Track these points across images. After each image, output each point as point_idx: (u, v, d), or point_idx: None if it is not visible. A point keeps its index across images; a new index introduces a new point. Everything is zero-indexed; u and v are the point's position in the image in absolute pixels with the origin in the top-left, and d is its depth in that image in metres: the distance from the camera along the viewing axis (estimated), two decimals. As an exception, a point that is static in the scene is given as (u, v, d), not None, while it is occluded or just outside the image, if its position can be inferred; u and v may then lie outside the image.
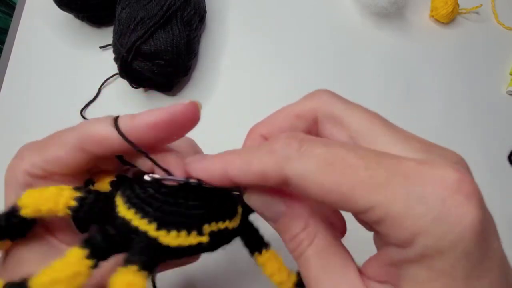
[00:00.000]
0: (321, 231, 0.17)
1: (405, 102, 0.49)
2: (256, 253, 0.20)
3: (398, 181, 0.13)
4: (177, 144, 0.20)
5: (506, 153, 0.48)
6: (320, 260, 0.16)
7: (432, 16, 0.55)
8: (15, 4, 0.51)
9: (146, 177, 0.18)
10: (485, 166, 0.47)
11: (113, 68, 0.43)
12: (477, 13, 0.56)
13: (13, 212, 0.17)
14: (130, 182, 0.19)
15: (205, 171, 0.17)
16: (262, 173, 0.15)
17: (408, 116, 0.48)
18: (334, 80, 0.50)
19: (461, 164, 0.15)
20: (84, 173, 0.20)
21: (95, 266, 0.15)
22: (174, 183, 0.18)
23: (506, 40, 0.55)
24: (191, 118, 0.18)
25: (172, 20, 0.42)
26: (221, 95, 0.47)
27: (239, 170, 0.16)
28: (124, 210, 0.17)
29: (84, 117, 0.45)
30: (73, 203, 0.17)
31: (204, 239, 0.17)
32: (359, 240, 0.20)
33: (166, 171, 0.18)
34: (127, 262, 0.15)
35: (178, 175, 0.18)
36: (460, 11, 0.54)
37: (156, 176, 0.18)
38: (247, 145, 0.20)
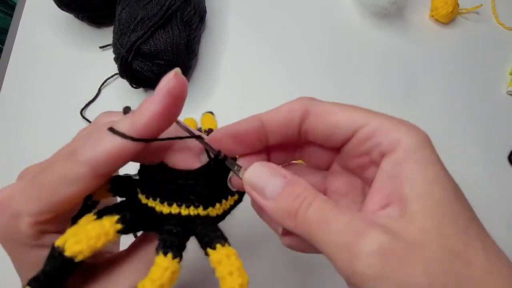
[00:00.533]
0: (320, 194, 0.18)
1: (405, 102, 0.49)
2: (209, 249, 0.18)
3: (385, 115, 0.20)
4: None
5: (506, 153, 0.48)
6: (328, 204, 0.17)
7: (432, 16, 0.55)
8: (15, 4, 0.51)
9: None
10: (485, 166, 0.47)
11: (113, 68, 0.43)
12: (477, 13, 0.56)
13: (62, 260, 0.16)
14: (143, 173, 0.21)
15: (239, 125, 0.21)
16: (291, 109, 0.19)
17: (408, 116, 0.48)
18: (334, 79, 0.50)
19: None
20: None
21: (122, 231, 0.17)
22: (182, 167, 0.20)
23: (506, 40, 0.55)
24: (183, 87, 0.17)
25: (172, 20, 0.42)
26: (221, 95, 0.47)
27: (272, 114, 0.20)
28: (149, 202, 0.20)
29: (84, 117, 0.45)
30: (120, 226, 0.17)
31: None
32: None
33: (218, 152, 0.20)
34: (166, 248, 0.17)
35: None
36: (460, 11, 0.54)
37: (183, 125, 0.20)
38: (243, 121, 0.22)
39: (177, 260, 0.17)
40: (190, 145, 0.20)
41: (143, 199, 0.20)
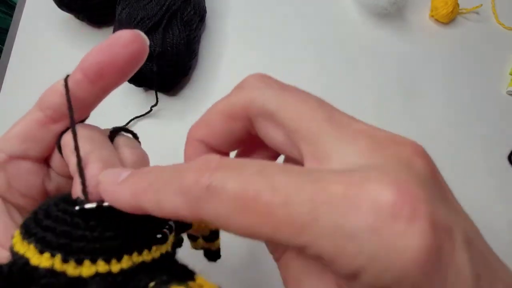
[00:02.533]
0: None
1: (404, 102, 0.49)
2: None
3: (324, 215, 0.11)
4: (125, 156, 0.18)
5: (506, 153, 0.48)
6: (300, 261, 0.15)
7: (432, 16, 0.55)
8: (15, 4, 0.51)
9: (75, 208, 0.14)
10: (485, 166, 0.47)
11: (113, 68, 0.43)
12: (477, 13, 0.56)
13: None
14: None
15: (115, 197, 0.14)
16: (176, 214, 0.12)
17: (407, 116, 0.49)
18: (334, 79, 0.50)
19: (413, 168, 0.12)
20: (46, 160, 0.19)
21: None
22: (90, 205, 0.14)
23: (506, 40, 0.55)
24: (134, 37, 0.17)
25: (172, 20, 0.42)
26: (221, 95, 0.47)
27: (151, 206, 0.13)
28: (18, 245, 0.14)
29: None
30: None
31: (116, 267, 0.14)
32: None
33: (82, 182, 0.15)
34: None
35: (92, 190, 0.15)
36: (460, 11, 0.54)
37: (88, 206, 0.14)
38: (187, 154, 0.18)
39: None
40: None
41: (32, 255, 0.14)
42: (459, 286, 0.11)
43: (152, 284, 0.13)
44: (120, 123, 0.44)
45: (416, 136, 0.50)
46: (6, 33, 0.49)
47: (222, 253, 0.23)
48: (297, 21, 0.53)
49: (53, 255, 0.13)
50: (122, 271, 0.14)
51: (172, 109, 0.46)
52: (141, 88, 0.46)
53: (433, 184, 0.12)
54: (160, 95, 0.46)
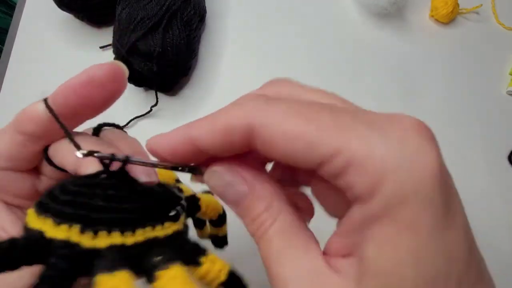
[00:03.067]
0: (285, 211, 0.15)
1: (404, 102, 0.49)
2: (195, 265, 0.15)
3: (362, 124, 0.13)
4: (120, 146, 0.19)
5: (506, 153, 0.48)
6: (282, 240, 0.15)
7: (432, 16, 0.55)
8: (15, 4, 0.51)
9: (78, 154, 0.15)
10: (485, 166, 0.47)
11: (113, 68, 0.43)
12: (477, 13, 0.56)
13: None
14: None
15: (169, 140, 0.16)
16: (228, 126, 0.14)
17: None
18: (334, 80, 0.50)
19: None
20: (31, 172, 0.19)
21: None
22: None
23: (506, 40, 0.55)
24: (113, 76, 0.17)
25: (172, 20, 0.42)
26: (221, 95, 0.47)
27: (204, 129, 0.15)
28: (34, 221, 0.14)
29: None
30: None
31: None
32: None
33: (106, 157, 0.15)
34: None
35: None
36: (460, 11, 0.54)
37: (101, 154, 0.15)
38: (172, 141, 0.17)
39: None
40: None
41: (46, 228, 0.14)
42: (457, 217, 0.14)
43: (157, 258, 0.14)
44: (120, 123, 0.43)
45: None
46: (6, 33, 0.49)
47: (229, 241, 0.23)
48: (297, 21, 0.53)
49: (70, 227, 0.14)
50: (135, 245, 0.14)
51: (172, 109, 0.46)
52: (141, 88, 0.46)
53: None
54: (160, 95, 0.46)
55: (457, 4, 0.53)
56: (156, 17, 0.41)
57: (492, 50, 0.54)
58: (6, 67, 0.47)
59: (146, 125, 0.45)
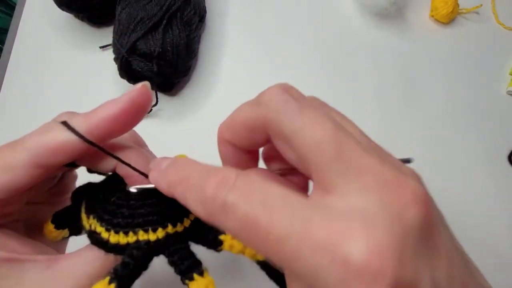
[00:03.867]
0: (246, 173, 0.15)
1: (404, 102, 0.49)
2: (219, 247, 0.19)
3: (306, 256, 0.12)
4: (126, 137, 0.20)
5: (506, 153, 0.48)
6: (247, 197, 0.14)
7: (432, 16, 0.55)
8: (15, 4, 0.51)
9: (132, 189, 0.19)
10: (485, 166, 0.47)
11: (113, 68, 0.43)
12: (477, 13, 0.56)
13: None
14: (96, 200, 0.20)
15: (157, 183, 0.18)
16: (196, 214, 0.15)
17: (407, 116, 0.48)
18: (334, 79, 0.50)
19: (403, 219, 0.12)
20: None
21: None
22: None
23: (506, 40, 0.55)
24: (147, 100, 0.18)
25: (172, 20, 0.42)
26: (221, 95, 0.47)
27: (181, 199, 0.16)
28: (121, 238, 0.18)
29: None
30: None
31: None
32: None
33: (141, 172, 0.18)
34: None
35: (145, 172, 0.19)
36: (460, 11, 0.54)
37: (142, 186, 0.19)
38: (220, 150, 0.20)
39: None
40: (138, 156, 0.19)
41: (91, 223, 0.19)
42: None
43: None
44: (120, 123, 0.43)
45: (416, 135, 0.51)
46: (6, 33, 0.49)
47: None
48: (297, 21, 0.53)
49: (107, 230, 0.18)
50: (157, 240, 0.18)
51: (172, 109, 0.46)
52: (141, 88, 0.46)
53: (418, 235, 0.12)
54: (160, 95, 0.46)
55: (457, 4, 0.53)
56: (156, 17, 0.41)
57: (492, 50, 0.54)
58: (6, 67, 0.47)
59: (146, 125, 0.45)
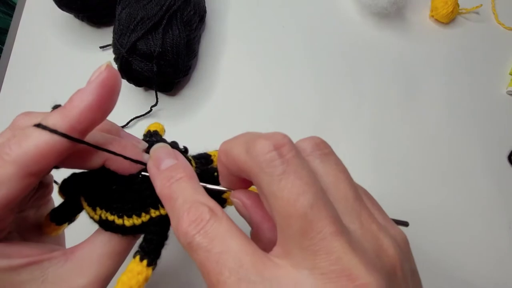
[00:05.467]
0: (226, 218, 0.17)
1: (405, 102, 0.49)
2: None
3: None
4: (100, 127, 0.20)
5: (506, 153, 0.48)
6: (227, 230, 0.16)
7: (432, 16, 0.55)
8: (15, 4, 0.51)
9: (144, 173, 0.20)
10: (485, 166, 0.47)
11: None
12: (477, 13, 0.56)
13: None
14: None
15: (151, 176, 0.19)
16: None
17: (408, 116, 0.48)
18: (333, 79, 0.50)
19: None
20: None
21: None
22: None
23: (506, 40, 0.55)
24: (117, 80, 0.18)
25: (172, 20, 0.42)
26: (221, 95, 0.47)
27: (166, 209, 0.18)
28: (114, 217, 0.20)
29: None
30: (151, 268, 0.19)
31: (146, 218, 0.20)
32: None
33: (134, 161, 0.20)
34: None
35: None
36: (460, 11, 0.54)
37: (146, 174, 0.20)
38: (218, 168, 0.20)
39: (151, 267, 0.18)
40: (128, 146, 0.20)
41: (100, 214, 0.20)
42: None
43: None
44: (120, 123, 0.44)
45: (416, 135, 0.51)
46: (6, 33, 0.49)
47: None
48: (297, 21, 0.53)
49: (120, 217, 0.20)
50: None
51: (172, 109, 0.46)
52: (141, 88, 0.46)
53: None
54: (160, 95, 0.46)
55: (457, 4, 0.53)
56: (156, 17, 0.41)
57: (492, 50, 0.54)
58: (6, 67, 0.47)
59: (146, 125, 0.45)
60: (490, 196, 0.46)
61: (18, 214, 0.21)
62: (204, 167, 0.23)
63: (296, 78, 0.49)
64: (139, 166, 0.20)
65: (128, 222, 0.19)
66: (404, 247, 0.17)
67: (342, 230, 0.14)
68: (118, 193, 0.20)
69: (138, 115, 0.44)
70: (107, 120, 0.20)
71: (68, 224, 0.22)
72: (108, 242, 0.19)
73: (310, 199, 0.14)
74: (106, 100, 0.17)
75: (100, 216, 0.20)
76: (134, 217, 0.19)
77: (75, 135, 0.16)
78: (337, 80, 0.50)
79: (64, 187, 0.21)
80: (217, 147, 0.21)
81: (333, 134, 0.46)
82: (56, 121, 0.16)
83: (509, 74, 0.53)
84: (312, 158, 0.17)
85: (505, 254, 0.43)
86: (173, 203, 0.17)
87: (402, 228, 0.18)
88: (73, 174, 0.21)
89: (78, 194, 0.21)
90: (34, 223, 0.22)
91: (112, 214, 0.19)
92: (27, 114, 0.19)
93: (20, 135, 0.16)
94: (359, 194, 0.17)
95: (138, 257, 0.18)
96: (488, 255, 0.43)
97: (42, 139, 0.16)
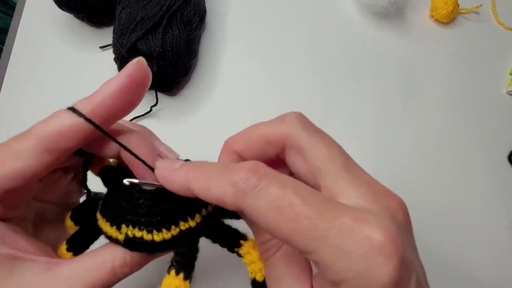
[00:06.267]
0: None
1: (405, 102, 0.49)
2: (236, 249, 0.21)
3: (333, 235, 0.14)
4: (135, 127, 0.20)
5: (506, 153, 0.48)
6: (283, 265, 0.18)
7: (432, 16, 0.55)
8: (15, 4, 0.51)
9: (125, 182, 0.19)
10: (485, 166, 0.47)
11: (113, 68, 0.43)
12: (477, 13, 0.56)
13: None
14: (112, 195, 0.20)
15: (170, 181, 0.18)
16: (221, 199, 0.16)
17: (408, 116, 0.48)
18: (333, 80, 0.50)
19: (396, 219, 0.16)
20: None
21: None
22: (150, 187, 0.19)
23: (506, 40, 0.55)
24: (145, 74, 0.18)
25: (172, 20, 0.42)
26: (221, 95, 0.47)
27: (201, 190, 0.17)
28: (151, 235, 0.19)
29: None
30: (188, 282, 0.19)
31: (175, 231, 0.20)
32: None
33: (143, 161, 0.19)
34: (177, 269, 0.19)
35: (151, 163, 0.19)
36: (460, 11, 0.54)
37: (134, 181, 0.19)
38: (222, 158, 0.21)
39: (188, 281, 0.18)
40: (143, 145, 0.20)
41: (127, 231, 0.19)
42: None
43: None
44: (120, 123, 0.43)
45: (416, 135, 0.51)
46: (6, 33, 0.49)
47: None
48: (297, 21, 0.53)
49: (149, 232, 0.19)
50: (197, 224, 0.20)
51: (172, 109, 0.46)
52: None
53: (407, 233, 0.17)
54: (160, 95, 0.46)
55: (457, 4, 0.53)
56: (156, 17, 0.41)
57: (492, 50, 0.54)
58: (6, 67, 0.47)
59: (146, 125, 0.44)
60: (490, 196, 0.46)
61: (39, 204, 0.21)
62: None
63: (296, 78, 0.49)
64: (150, 172, 0.19)
65: (157, 237, 0.19)
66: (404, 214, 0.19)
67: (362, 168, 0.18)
68: (146, 207, 0.19)
69: (138, 115, 0.45)
70: (147, 128, 0.21)
71: (86, 234, 0.21)
72: (90, 270, 0.18)
73: (340, 146, 0.19)
74: (130, 90, 0.17)
75: (127, 234, 0.19)
76: (164, 230, 0.19)
77: (95, 119, 0.17)
78: (337, 79, 0.50)
79: (76, 214, 0.21)
80: (217, 147, 0.21)
81: (333, 133, 0.46)
82: (83, 105, 0.17)
83: (509, 74, 0.53)
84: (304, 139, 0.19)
85: (505, 254, 0.43)
86: (209, 174, 0.17)
87: None
88: (84, 201, 0.21)
89: (93, 218, 0.20)
90: (51, 221, 0.22)
91: (140, 229, 0.19)
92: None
93: (52, 115, 0.17)
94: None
95: (173, 271, 0.18)
96: (488, 255, 0.43)
97: (66, 119, 0.16)
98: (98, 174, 0.21)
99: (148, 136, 0.21)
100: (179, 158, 0.21)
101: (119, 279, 0.19)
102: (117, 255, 0.19)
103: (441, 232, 0.43)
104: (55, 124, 0.17)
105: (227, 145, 0.20)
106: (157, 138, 0.22)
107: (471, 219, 0.44)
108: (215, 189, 0.16)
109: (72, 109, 0.17)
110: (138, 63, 0.17)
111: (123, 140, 0.19)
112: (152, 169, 0.19)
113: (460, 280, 0.42)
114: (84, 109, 0.17)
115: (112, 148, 0.19)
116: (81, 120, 0.16)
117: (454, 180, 0.46)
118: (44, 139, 0.16)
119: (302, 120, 0.19)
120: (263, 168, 0.16)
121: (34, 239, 0.19)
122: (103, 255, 0.19)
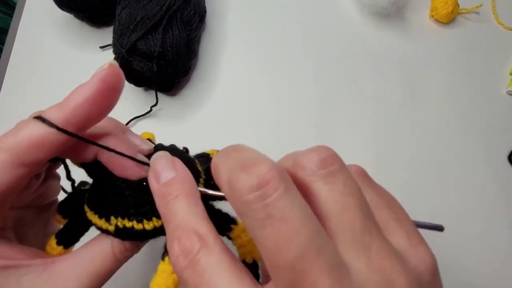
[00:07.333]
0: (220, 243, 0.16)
1: (405, 102, 0.49)
2: (226, 232, 0.21)
3: None
4: (103, 125, 0.19)
5: (506, 153, 0.48)
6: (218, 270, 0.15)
7: (432, 16, 0.55)
8: (15, 4, 0.51)
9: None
10: (485, 166, 0.47)
11: (113, 68, 0.43)
12: (477, 13, 0.56)
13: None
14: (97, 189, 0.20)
15: (151, 187, 0.18)
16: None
17: (408, 116, 0.48)
18: (333, 79, 0.50)
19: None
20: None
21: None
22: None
23: (506, 40, 0.55)
24: (118, 78, 0.17)
25: (172, 20, 0.42)
26: (221, 95, 0.47)
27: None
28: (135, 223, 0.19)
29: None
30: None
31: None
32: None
33: (127, 156, 0.19)
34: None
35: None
36: (460, 11, 0.54)
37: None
38: None
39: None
40: (123, 143, 0.19)
41: (116, 222, 0.19)
42: None
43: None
44: (120, 123, 0.43)
45: (416, 136, 0.51)
46: (6, 33, 0.49)
47: None
48: (297, 21, 0.53)
49: (139, 221, 0.19)
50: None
51: (172, 109, 0.46)
52: (141, 88, 0.46)
53: None
54: (160, 95, 0.46)
55: (457, 4, 0.53)
56: (156, 17, 0.41)
57: (492, 50, 0.54)
58: (6, 67, 0.47)
59: (146, 125, 0.45)
60: (490, 196, 0.46)
61: (15, 212, 0.20)
62: (207, 165, 0.22)
63: (296, 78, 0.49)
64: (133, 163, 0.19)
65: (148, 225, 0.19)
66: (428, 279, 0.15)
67: (340, 278, 0.12)
68: (133, 198, 0.19)
69: (138, 115, 0.44)
70: (113, 119, 0.20)
71: (76, 226, 0.22)
72: (92, 260, 0.18)
73: (300, 247, 0.12)
74: (104, 96, 0.17)
75: (117, 225, 0.19)
76: (154, 219, 0.19)
77: (69, 128, 0.16)
78: (337, 79, 0.50)
79: (64, 208, 0.21)
80: (217, 147, 0.21)
81: (333, 133, 0.46)
82: (53, 113, 0.16)
83: (509, 74, 0.53)
84: (315, 179, 0.14)
85: (505, 254, 0.43)
86: (167, 225, 0.16)
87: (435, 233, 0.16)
88: (70, 194, 0.21)
89: (81, 210, 0.20)
90: (32, 224, 0.22)
91: (130, 220, 0.19)
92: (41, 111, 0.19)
93: (19, 126, 0.16)
94: (372, 222, 0.14)
95: (167, 258, 0.18)
96: (488, 255, 0.43)
97: (37, 130, 0.16)
98: (81, 166, 0.21)
99: (122, 132, 0.20)
100: (177, 147, 0.22)
101: (122, 263, 0.20)
102: (115, 242, 0.19)
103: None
104: (24, 135, 0.16)
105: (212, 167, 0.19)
106: (128, 129, 0.21)
107: (471, 219, 0.44)
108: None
109: (41, 118, 0.16)
110: (110, 66, 0.17)
111: (101, 142, 0.18)
112: (147, 164, 0.19)
113: (460, 280, 0.42)
114: (56, 117, 0.16)
115: (89, 152, 0.18)
116: (53, 130, 0.16)
117: (454, 180, 0.46)
118: (15, 153, 0.16)
119: (254, 195, 0.13)
120: (196, 250, 0.15)
121: (20, 246, 0.19)
122: (102, 243, 0.19)
